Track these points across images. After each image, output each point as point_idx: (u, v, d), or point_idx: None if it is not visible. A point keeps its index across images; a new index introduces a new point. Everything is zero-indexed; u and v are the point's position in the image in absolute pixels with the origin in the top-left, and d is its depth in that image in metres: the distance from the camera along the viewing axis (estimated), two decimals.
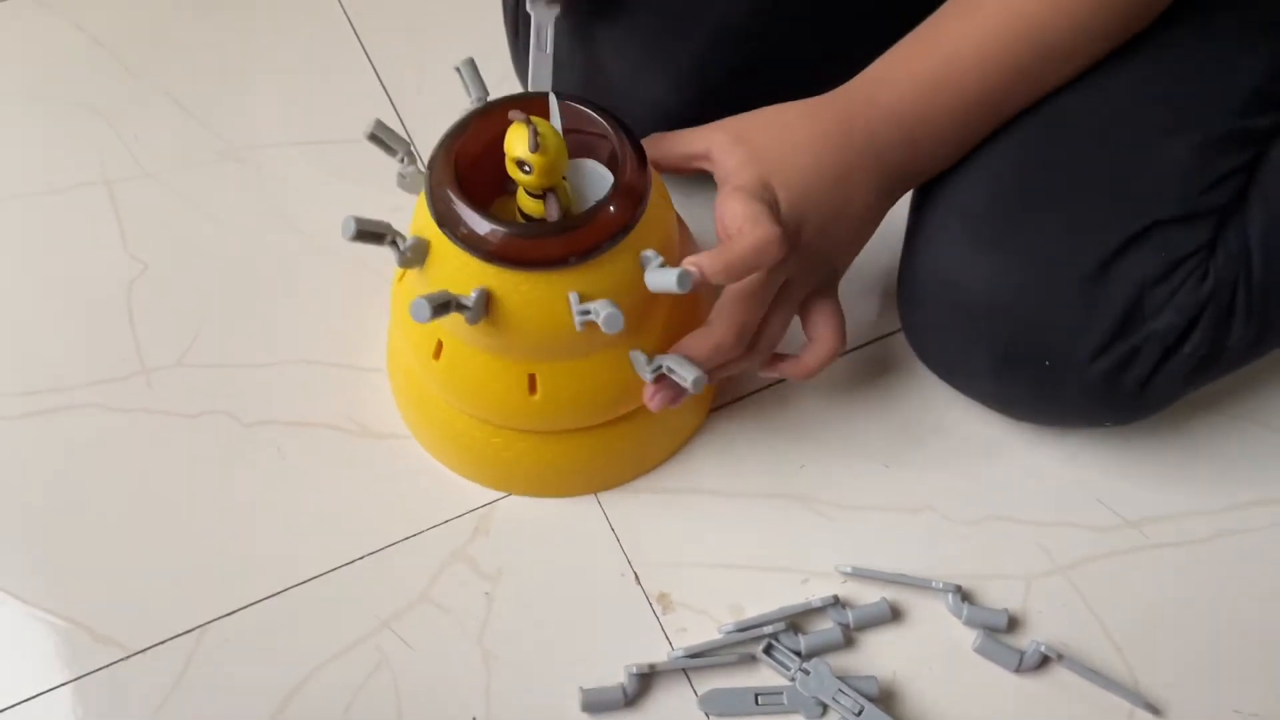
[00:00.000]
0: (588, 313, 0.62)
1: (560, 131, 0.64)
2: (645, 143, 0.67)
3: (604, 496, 0.75)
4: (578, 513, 0.74)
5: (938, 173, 0.70)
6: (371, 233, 0.63)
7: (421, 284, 0.66)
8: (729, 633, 0.69)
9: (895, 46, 0.70)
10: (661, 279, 0.62)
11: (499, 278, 0.63)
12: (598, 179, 0.67)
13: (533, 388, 0.68)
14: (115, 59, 0.96)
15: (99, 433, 0.77)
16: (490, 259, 0.63)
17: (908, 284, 0.72)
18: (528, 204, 0.66)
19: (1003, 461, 0.76)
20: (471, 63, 0.68)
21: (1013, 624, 0.70)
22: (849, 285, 0.71)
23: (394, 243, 0.63)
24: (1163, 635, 0.70)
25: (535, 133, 0.61)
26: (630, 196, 0.64)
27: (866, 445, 0.77)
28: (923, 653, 0.69)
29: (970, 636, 0.69)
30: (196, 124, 0.92)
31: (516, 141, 0.62)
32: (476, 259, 0.63)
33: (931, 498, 0.75)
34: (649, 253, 0.65)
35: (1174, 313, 0.66)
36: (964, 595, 0.71)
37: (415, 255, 0.65)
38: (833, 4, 0.80)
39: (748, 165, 0.66)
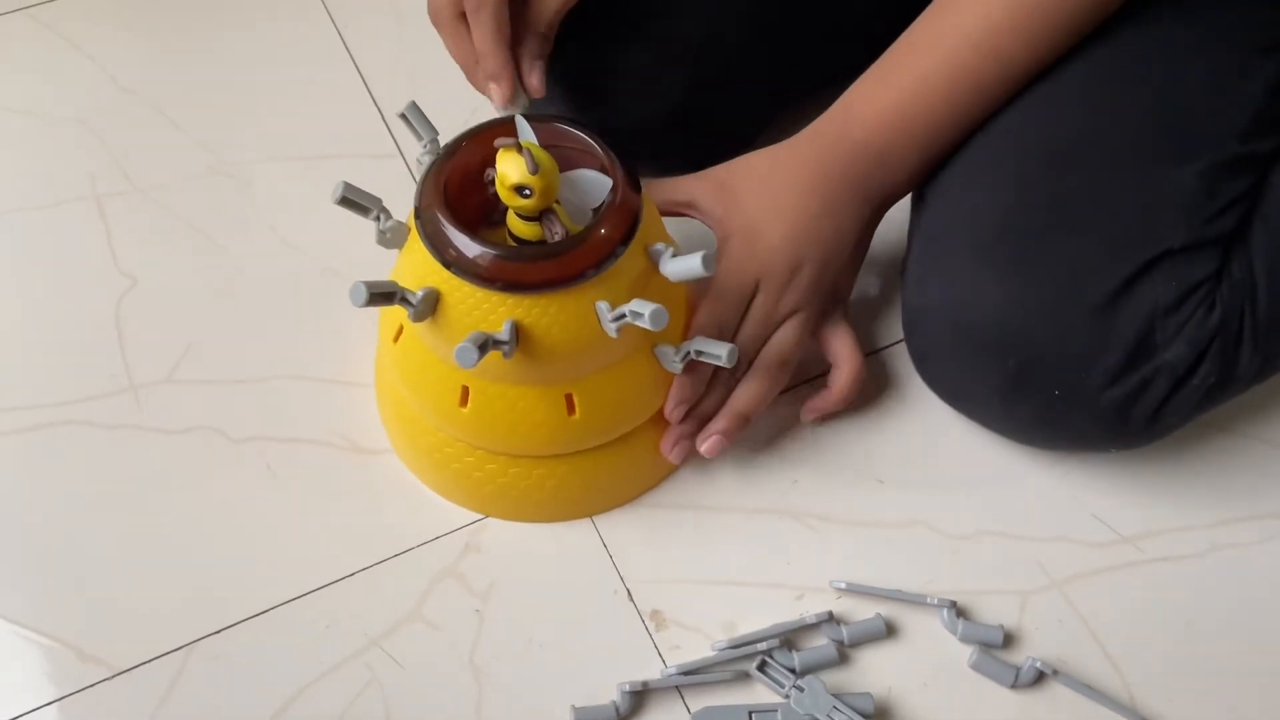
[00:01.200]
0: (623, 316, 0.62)
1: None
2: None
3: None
4: (569, 529, 0.74)
5: (911, 187, 0.74)
6: (383, 294, 0.62)
7: (434, 333, 0.65)
8: (722, 649, 0.68)
9: (862, 78, 0.72)
10: (683, 266, 0.63)
11: (521, 306, 0.63)
12: (593, 185, 0.67)
13: (571, 408, 0.67)
14: (105, 74, 0.96)
15: (87, 449, 0.76)
16: (512, 289, 0.62)
17: (915, 310, 0.72)
18: (521, 228, 0.66)
19: (997, 477, 0.76)
20: (415, 106, 0.68)
21: (1008, 640, 0.70)
22: None
23: (404, 300, 0.63)
24: (1159, 650, 0.70)
25: (531, 156, 0.61)
26: (630, 195, 0.65)
27: (859, 460, 0.76)
28: (918, 669, 0.69)
29: (965, 652, 0.69)
30: (186, 139, 0.92)
31: (512, 168, 0.62)
32: (496, 292, 0.63)
33: (925, 513, 0.74)
34: (659, 246, 0.65)
35: (1184, 344, 0.66)
36: (959, 611, 0.70)
37: (427, 306, 0.64)
38: (781, 31, 0.81)
39: (734, 213, 0.70)
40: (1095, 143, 0.68)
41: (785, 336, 0.71)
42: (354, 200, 0.66)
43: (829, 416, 0.76)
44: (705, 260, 0.62)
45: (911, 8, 0.71)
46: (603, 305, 0.63)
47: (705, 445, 0.71)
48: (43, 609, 0.71)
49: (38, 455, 0.76)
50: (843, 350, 0.74)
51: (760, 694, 0.68)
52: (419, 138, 0.67)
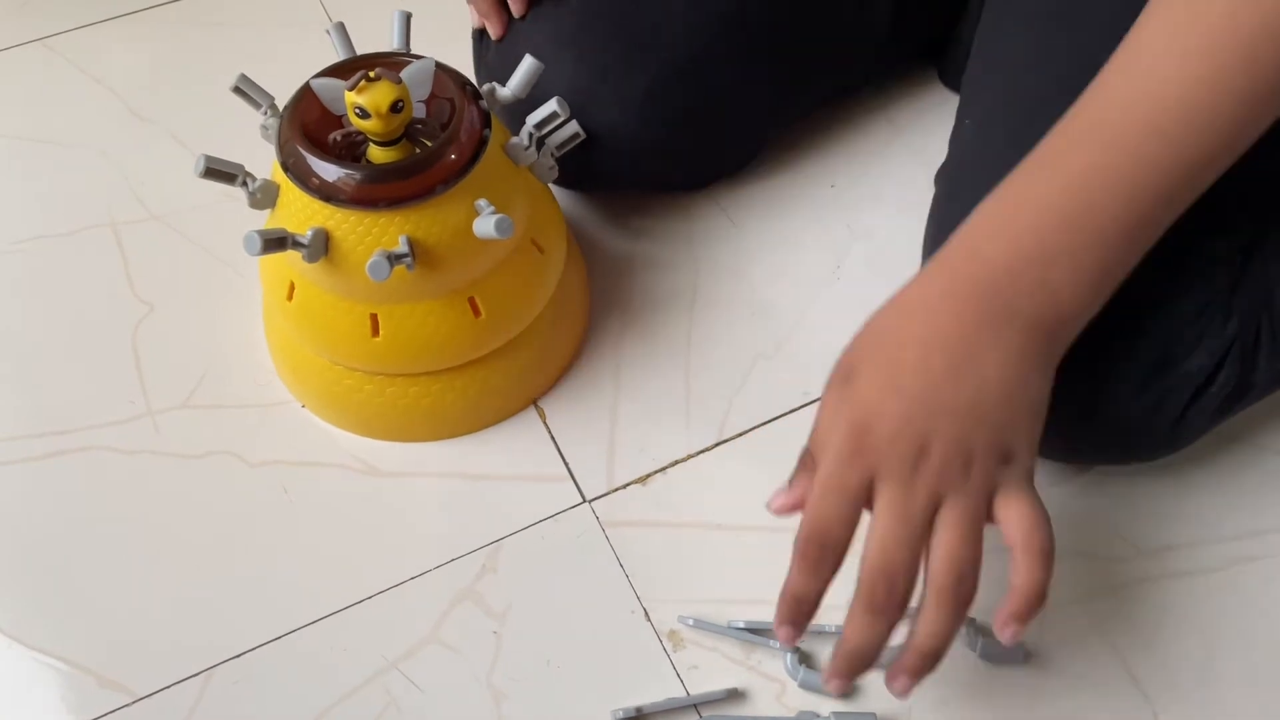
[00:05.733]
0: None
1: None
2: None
3: (612, 533, 0.74)
4: (586, 549, 0.74)
5: (1096, 311, 0.61)
6: (275, 240, 0.66)
7: (332, 271, 0.69)
8: (738, 629, 0.69)
9: (995, 190, 0.61)
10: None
11: (410, 221, 0.67)
12: (416, 78, 0.68)
13: (476, 310, 0.71)
14: (121, 102, 0.97)
15: (105, 475, 0.77)
16: (395, 205, 0.66)
17: None
18: (383, 155, 0.69)
19: None
20: (245, 77, 0.72)
21: (1029, 657, 0.69)
22: (847, 296, 0.70)
23: (296, 243, 0.66)
24: (1182, 665, 0.69)
25: (387, 72, 0.65)
26: (469, 143, 0.68)
27: None
28: (937, 686, 0.68)
29: (985, 669, 0.68)
30: None
31: (380, 92, 0.65)
32: (382, 213, 0.66)
33: None
34: (514, 140, 0.70)
35: (1204, 354, 0.65)
36: (978, 628, 0.70)
37: (318, 244, 0.67)
38: (784, 43, 0.81)
39: (844, 408, 0.58)
40: None
41: (944, 540, 0.56)
42: (218, 169, 0.69)
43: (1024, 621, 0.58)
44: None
45: (906, 27, 0.70)
46: (483, 202, 0.67)
47: (897, 685, 0.58)
48: (63, 635, 0.71)
49: (56, 481, 0.77)
50: (1016, 531, 0.57)
51: (764, 707, 0.68)
52: (257, 106, 0.71)
